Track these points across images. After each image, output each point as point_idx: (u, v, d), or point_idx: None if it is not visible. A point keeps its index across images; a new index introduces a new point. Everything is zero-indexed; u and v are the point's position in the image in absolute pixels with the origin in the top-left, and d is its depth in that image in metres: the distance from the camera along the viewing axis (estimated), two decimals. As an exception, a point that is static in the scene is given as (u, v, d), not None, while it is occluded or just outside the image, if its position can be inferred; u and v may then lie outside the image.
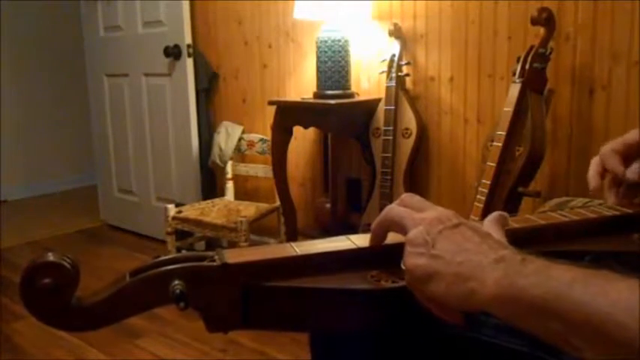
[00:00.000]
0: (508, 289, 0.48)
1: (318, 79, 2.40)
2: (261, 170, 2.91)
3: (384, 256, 0.64)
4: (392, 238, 0.67)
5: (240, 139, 2.97)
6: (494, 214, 0.60)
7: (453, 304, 0.52)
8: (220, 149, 2.98)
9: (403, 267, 0.56)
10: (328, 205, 2.58)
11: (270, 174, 2.68)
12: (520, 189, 1.90)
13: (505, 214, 0.61)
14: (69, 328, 0.57)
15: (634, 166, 0.74)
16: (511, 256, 0.50)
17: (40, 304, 0.55)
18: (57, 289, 0.54)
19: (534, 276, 0.47)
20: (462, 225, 0.55)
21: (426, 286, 0.53)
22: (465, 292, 0.50)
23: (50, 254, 0.55)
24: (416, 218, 0.57)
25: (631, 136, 0.77)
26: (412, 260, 0.54)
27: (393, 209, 0.60)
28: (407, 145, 2.34)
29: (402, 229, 0.58)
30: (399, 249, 0.65)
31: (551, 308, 0.45)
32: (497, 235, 0.57)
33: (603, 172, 0.77)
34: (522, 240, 0.58)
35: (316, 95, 2.42)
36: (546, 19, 1.86)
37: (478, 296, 0.49)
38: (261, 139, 2.89)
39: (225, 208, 2.79)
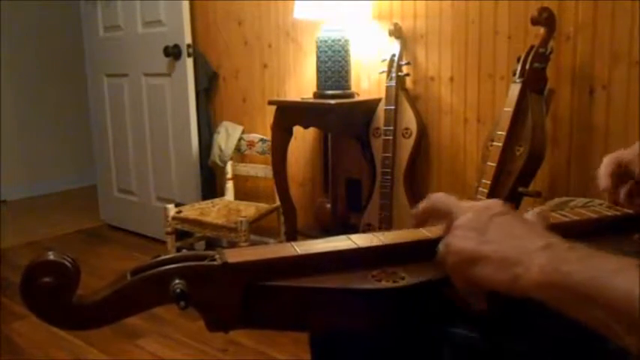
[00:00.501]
0: (552, 275, 0.49)
1: (318, 79, 2.40)
2: (261, 170, 2.91)
3: (387, 255, 0.64)
4: (392, 238, 0.67)
5: (240, 139, 2.97)
6: (537, 210, 0.62)
7: (497, 289, 0.53)
8: (220, 149, 2.98)
9: (441, 248, 0.57)
10: (328, 205, 2.58)
11: (270, 174, 2.68)
12: (520, 189, 1.90)
13: (547, 209, 0.63)
14: (70, 327, 0.57)
15: None
16: (558, 243, 0.52)
17: (40, 303, 0.55)
18: (57, 288, 0.54)
19: (579, 263, 0.48)
20: (509, 213, 0.57)
21: (471, 269, 0.54)
22: (510, 277, 0.52)
23: (51, 253, 0.55)
24: (464, 206, 0.59)
25: None
26: (460, 243, 0.55)
27: (441, 197, 0.62)
28: (407, 145, 2.34)
29: (448, 216, 0.59)
30: (402, 248, 0.66)
31: (594, 295, 0.46)
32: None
33: (615, 172, 0.77)
34: None
35: (316, 95, 2.42)
36: (546, 19, 1.86)
37: (522, 282, 0.51)
38: (261, 139, 2.89)
39: (225, 208, 2.79)
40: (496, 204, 0.58)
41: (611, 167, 0.78)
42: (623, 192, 0.77)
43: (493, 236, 0.54)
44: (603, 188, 0.77)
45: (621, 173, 0.78)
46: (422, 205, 0.63)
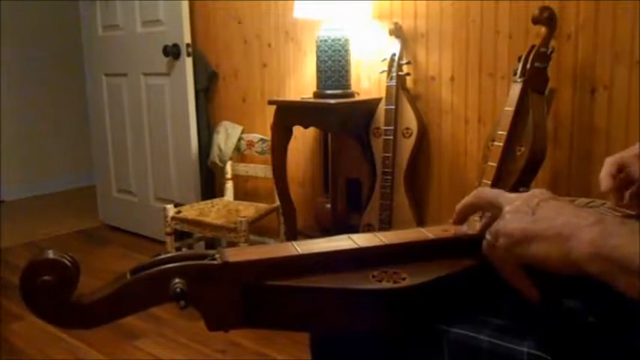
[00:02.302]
0: (601, 248, 0.50)
1: (318, 78, 2.39)
2: (260, 170, 2.90)
3: (388, 256, 0.64)
4: (393, 238, 0.66)
5: (239, 139, 2.97)
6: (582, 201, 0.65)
7: (554, 264, 0.54)
8: (220, 149, 2.97)
9: (489, 236, 0.58)
10: (328, 205, 2.58)
11: (269, 174, 2.67)
12: (521, 189, 1.87)
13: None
14: (69, 326, 0.56)
15: None
16: (611, 218, 0.53)
17: (40, 302, 0.54)
18: (57, 287, 0.54)
19: (627, 237, 0.49)
20: (556, 198, 0.58)
21: (527, 248, 0.56)
22: (564, 252, 0.53)
23: (50, 251, 0.55)
24: (511, 196, 0.60)
25: None
26: (513, 224, 0.57)
27: (486, 190, 0.64)
28: (407, 145, 2.33)
29: (497, 208, 0.61)
30: (403, 248, 0.65)
31: (638, 267, 0.47)
32: None
33: (617, 173, 0.77)
34: None
35: (316, 95, 2.41)
36: (548, 18, 1.86)
37: (574, 255, 0.52)
38: (261, 139, 2.88)
39: (224, 208, 2.78)
40: (542, 191, 0.60)
41: (612, 168, 0.77)
42: (628, 193, 0.76)
43: (544, 215, 0.56)
44: (605, 190, 0.77)
45: (623, 176, 0.77)
46: (467, 199, 0.65)
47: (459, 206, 0.65)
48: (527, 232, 0.56)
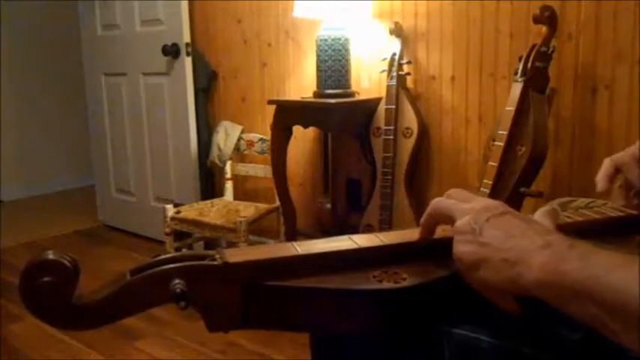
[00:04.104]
0: (552, 273, 0.49)
1: (318, 78, 2.39)
2: (260, 170, 2.89)
3: (388, 256, 0.63)
4: (393, 238, 0.66)
5: (239, 138, 2.96)
6: (546, 208, 0.62)
7: (502, 289, 0.53)
8: (219, 149, 2.97)
9: (453, 256, 0.57)
10: (328, 205, 2.57)
11: (269, 174, 2.67)
12: (522, 189, 1.89)
13: (557, 208, 0.62)
14: (69, 327, 0.56)
15: None
16: (559, 241, 0.51)
17: (40, 303, 0.54)
18: (57, 288, 0.54)
19: (578, 261, 0.48)
20: (508, 213, 0.56)
21: (476, 272, 0.54)
22: (512, 277, 0.52)
23: (50, 252, 0.54)
24: (464, 208, 0.58)
25: None
26: (461, 248, 0.56)
27: (441, 202, 0.61)
28: (408, 145, 2.32)
29: (451, 220, 0.59)
30: (403, 248, 0.64)
31: (591, 293, 0.46)
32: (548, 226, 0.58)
33: (614, 175, 0.76)
34: None
35: (316, 94, 2.40)
36: (549, 18, 1.85)
37: (524, 280, 0.51)
38: (261, 139, 2.88)
39: (224, 208, 2.77)
40: (495, 204, 0.58)
41: (610, 170, 0.77)
42: (632, 194, 0.76)
43: (491, 238, 0.54)
44: (601, 191, 0.77)
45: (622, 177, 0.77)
46: (426, 212, 0.63)
47: (422, 219, 0.63)
48: (474, 256, 0.54)
